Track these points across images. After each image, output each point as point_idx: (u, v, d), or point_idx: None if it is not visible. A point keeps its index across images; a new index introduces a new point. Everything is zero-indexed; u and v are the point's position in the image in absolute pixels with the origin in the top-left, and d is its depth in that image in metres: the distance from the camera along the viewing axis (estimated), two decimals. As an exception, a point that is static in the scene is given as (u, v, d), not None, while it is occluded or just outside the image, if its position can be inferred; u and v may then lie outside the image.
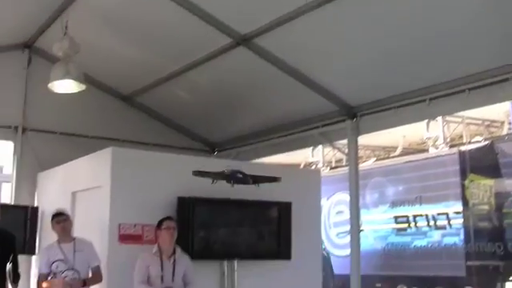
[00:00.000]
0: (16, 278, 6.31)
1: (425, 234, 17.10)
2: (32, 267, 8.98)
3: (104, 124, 10.05)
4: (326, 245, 18.52)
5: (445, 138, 19.77)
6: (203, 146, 11.20)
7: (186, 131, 10.94)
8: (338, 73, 7.89)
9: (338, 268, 15.99)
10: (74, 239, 6.72)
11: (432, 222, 16.84)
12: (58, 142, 9.58)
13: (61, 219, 6.75)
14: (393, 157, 21.13)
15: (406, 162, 18.36)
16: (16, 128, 9.63)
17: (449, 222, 16.42)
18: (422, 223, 17.16)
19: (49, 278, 6.57)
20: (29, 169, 9.58)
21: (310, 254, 8.41)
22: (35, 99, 9.56)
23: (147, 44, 8.50)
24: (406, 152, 21.44)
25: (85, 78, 8.02)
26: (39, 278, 6.68)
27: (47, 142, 9.59)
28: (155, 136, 10.35)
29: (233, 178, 7.19)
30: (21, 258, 6.70)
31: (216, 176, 7.18)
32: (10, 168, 10.11)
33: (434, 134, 20.13)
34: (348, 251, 8.90)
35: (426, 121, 18.64)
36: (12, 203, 9.38)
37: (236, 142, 10.72)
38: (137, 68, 9.09)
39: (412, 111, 7.79)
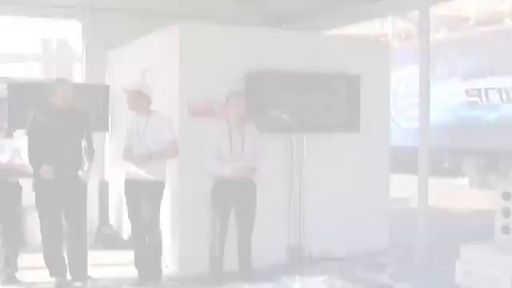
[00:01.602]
0: (91, 153, 6.54)
1: (496, 107, 16.80)
2: (106, 143, 9.29)
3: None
4: (395, 117, 18.44)
5: (521, 8, 19.02)
6: (271, 19, 11.01)
7: (253, 3, 10.71)
8: None
9: (407, 139, 15.94)
10: (149, 113, 6.68)
11: (504, 96, 16.48)
12: (126, 20, 9.55)
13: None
14: (465, 28, 20.52)
15: (479, 33, 17.79)
16: (83, 7, 9.63)
17: (522, 96, 16.06)
18: (493, 96, 16.81)
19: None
20: (98, 48, 9.65)
21: (379, 126, 8.39)
22: (101, -24, 9.52)
23: None
24: (479, 23, 20.78)
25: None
26: (125, 148, 6.82)
27: (115, 20, 9.54)
28: (221, 10, 10.14)
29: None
30: (95, 135, 6.88)
31: None
32: (80, 48, 10.26)
33: (510, 4, 19.37)
34: (417, 123, 8.83)
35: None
36: (84, 82, 9.56)
37: (304, 14, 10.49)
38: None
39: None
